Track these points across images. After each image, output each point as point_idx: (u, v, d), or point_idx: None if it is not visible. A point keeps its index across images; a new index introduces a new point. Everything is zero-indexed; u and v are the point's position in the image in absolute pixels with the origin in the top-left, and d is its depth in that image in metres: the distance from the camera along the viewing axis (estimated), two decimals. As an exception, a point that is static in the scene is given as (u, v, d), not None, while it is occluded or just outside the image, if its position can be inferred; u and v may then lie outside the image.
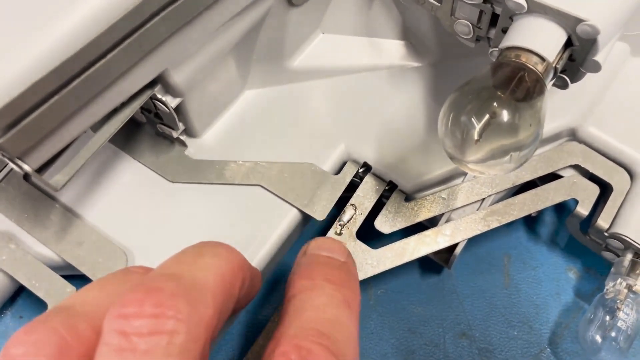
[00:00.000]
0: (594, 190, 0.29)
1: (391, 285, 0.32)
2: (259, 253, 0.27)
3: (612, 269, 0.29)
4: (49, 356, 0.16)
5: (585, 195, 0.29)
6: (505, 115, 0.21)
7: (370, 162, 0.30)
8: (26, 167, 0.21)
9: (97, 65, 0.20)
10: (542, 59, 0.22)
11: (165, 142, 0.30)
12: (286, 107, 0.31)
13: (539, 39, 0.22)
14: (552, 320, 0.31)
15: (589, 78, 0.24)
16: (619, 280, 0.28)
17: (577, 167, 0.30)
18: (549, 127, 0.30)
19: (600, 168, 0.30)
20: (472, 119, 0.21)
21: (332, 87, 0.32)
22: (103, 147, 0.24)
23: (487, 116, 0.21)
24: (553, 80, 0.23)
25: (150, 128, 0.30)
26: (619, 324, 0.28)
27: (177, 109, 0.27)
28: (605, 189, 0.30)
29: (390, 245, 0.28)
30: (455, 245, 0.29)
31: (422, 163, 0.29)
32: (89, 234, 0.28)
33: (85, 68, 0.20)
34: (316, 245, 0.23)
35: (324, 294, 0.20)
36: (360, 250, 0.28)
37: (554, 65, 0.22)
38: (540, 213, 0.33)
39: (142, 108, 0.28)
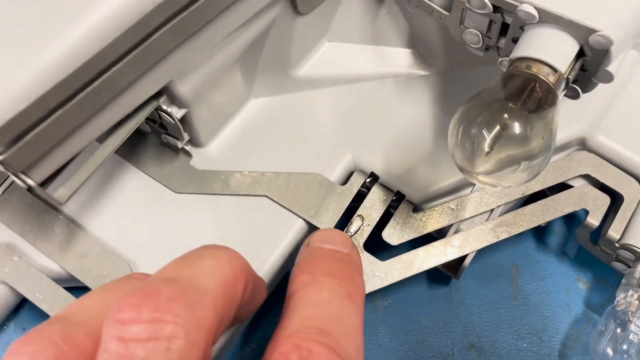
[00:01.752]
0: (605, 200, 0.29)
1: (398, 297, 0.32)
2: (264, 265, 0.27)
3: (623, 280, 0.29)
4: None
5: (596, 206, 0.29)
6: (516, 127, 0.21)
7: (377, 172, 0.29)
8: (30, 182, 0.21)
9: (102, 78, 0.20)
10: (554, 69, 0.21)
11: (170, 152, 0.30)
12: (292, 116, 0.31)
13: (550, 49, 0.22)
14: (562, 331, 0.31)
15: (599, 87, 0.24)
16: (630, 292, 0.28)
17: (587, 177, 0.29)
18: (559, 136, 0.29)
19: (611, 178, 0.29)
20: (483, 130, 0.21)
21: (338, 96, 0.32)
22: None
23: (497, 128, 0.21)
24: (565, 91, 0.23)
25: (155, 138, 0.30)
26: (630, 337, 0.27)
27: (183, 119, 0.27)
28: (615, 199, 0.29)
29: (398, 257, 0.28)
30: (464, 256, 0.28)
31: (430, 173, 0.29)
32: (92, 246, 0.28)
33: (91, 81, 0.20)
34: (318, 238, 0.23)
35: (325, 289, 0.20)
36: (367, 262, 0.28)
37: (565, 76, 0.22)
38: (549, 223, 0.33)
39: (147, 118, 0.27)
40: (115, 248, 0.28)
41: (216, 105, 0.29)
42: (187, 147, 0.29)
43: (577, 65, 0.22)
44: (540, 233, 0.33)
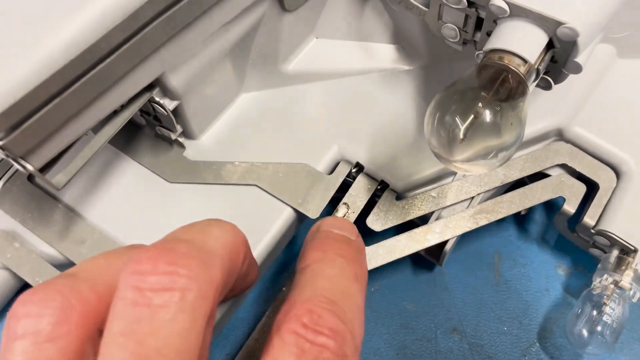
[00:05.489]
0: (581, 188, 0.30)
1: (384, 283, 0.33)
2: (255, 251, 0.28)
3: (599, 265, 0.30)
4: (52, 315, 0.16)
5: (572, 194, 0.30)
6: (488, 115, 0.22)
7: (362, 162, 0.31)
8: (29, 167, 0.22)
9: (98, 68, 0.21)
10: (524, 60, 0.22)
11: (164, 143, 0.31)
12: (281, 110, 0.32)
13: (520, 41, 0.23)
14: (541, 315, 0.32)
15: (575, 79, 0.25)
16: (605, 276, 0.29)
17: (564, 166, 0.31)
18: (537, 127, 0.30)
19: (587, 167, 0.30)
20: (457, 118, 0.22)
21: (325, 90, 0.33)
22: (104, 149, 0.25)
23: (471, 116, 0.22)
24: (536, 82, 0.24)
25: (150, 130, 0.31)
26: (605, 319, 0.28)
27: (175, 111, 0.28)
28: (591, 187, 0.30)
29: (381, 242, 0.29)
30: (445, 242, 0.30)
31: (413, 163, 0.30)
32: (90, 233, 0.29)
33: (86, 71, 0.21)
34: (329, 223, 0.25)
35: (336, 266, 0.22)
36: (352, 247, 0.29)
37: (536, 66, 0.23)
38: (530, 211, 0.34)
39: (141, 111, 0.29)
40: (112, 235, 0.29)
41: (208, 98, 0.30)
42: (181, 139, 0.31)
43: (547, 57, 0.24)
44: (521, 221, 0.35)
